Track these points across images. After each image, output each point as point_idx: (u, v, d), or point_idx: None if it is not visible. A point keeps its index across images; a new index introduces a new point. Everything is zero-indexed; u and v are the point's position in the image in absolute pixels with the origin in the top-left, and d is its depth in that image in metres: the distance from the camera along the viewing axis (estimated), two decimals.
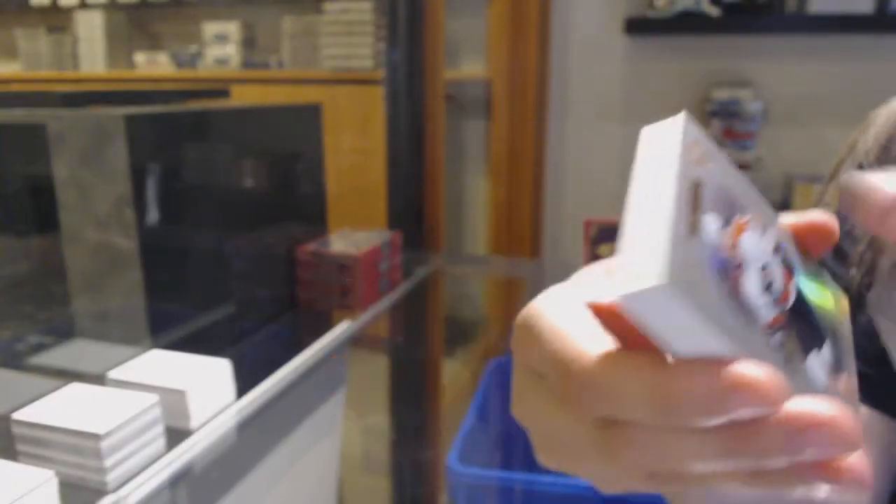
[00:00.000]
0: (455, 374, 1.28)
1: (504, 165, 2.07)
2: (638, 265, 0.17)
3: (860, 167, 0.47)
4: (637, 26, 1.97)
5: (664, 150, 0.20)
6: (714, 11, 1.87)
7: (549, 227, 2.19)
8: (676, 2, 1.88)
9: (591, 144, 2.14)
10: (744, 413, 0.18)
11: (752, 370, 0.17)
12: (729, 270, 0.19)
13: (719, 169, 0.21)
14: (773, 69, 1.96)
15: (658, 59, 2.05)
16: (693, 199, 0.19)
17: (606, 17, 2.03)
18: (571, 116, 2.15)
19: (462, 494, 0.92)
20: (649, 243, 0.18)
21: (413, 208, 1.60)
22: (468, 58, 2.26)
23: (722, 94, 1.94)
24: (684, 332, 0.18)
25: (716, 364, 0.18)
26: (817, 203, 0.51)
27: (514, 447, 1.17)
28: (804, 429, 0.18)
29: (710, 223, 0.19)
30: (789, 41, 1.95)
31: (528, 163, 2.06)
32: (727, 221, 0.20)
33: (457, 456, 0.95)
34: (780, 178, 2.00)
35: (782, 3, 1.89)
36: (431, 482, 0.92)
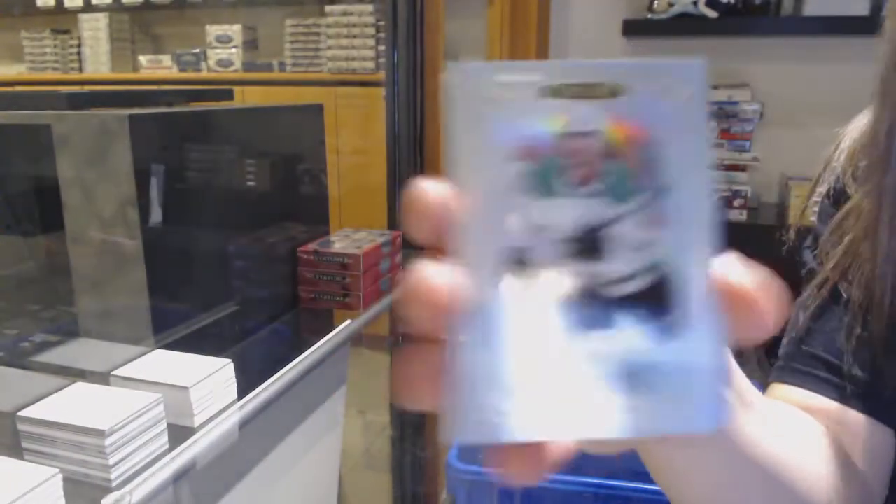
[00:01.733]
0: None
1: None
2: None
3: (837, 180, 0.48)
4: (635, 28, 1.98)
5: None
6: (711, 14, 1.87)
7: None
8: (674, 4, 1.89)
9: None
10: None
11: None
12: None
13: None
14: (770, 71, 1.97)
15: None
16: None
17: (605, 18, 2.04)
18: None
19: (462, 491, 0.93)
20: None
21: None
22: (468, 58, 2.26)
23: (719, 96, 1.95)
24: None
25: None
26: (802, 214, 0.52)
27: None
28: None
29: None
30: (785, 43, 1.96)
31: None
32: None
33: (457, 453, 0.96)
34: (776, 178, 2.01)
35: (778, 5, 1.90)
36: (432, 479, 0.92)
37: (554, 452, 0.21)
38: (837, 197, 0.48)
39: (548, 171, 0.19)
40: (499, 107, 0.18)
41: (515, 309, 0.18)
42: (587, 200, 0.19)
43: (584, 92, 0.19)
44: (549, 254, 0.19)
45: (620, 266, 0.19)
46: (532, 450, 0.19)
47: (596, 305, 0.19)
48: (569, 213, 0.19)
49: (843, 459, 0.42)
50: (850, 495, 0.40)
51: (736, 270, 0.19)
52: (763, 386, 0.49)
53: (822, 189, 0.49)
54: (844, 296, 0.44)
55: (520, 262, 0.19)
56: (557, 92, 0.19)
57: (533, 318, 0.18)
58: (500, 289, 0.18)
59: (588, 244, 0.19)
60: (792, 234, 0.51)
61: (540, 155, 0.19)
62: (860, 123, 0.48)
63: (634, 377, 0.18)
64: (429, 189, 0.19)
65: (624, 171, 0.19)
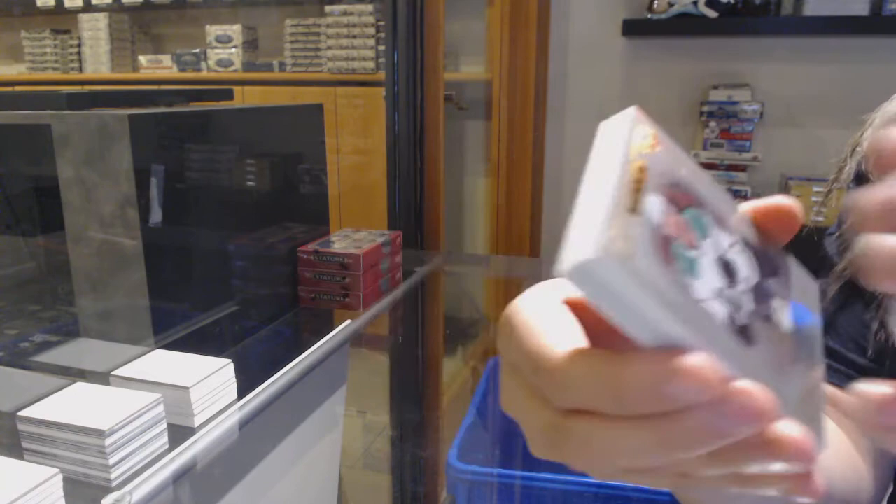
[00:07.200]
0: (455, 373, 1.29)
1: (504, 165, 2.08)
2: (578, 242, 0.18)
3: (859, 166, 0.48)
4: (635, 28, 1.98)
5: (613, 139, 0.21)
6: (711, 13, 1.87)
7: (549, 227, 2.20)
8: (674, 4, 1.89)
9: (589, 145, 2.14)
10: (687, 398, 0.18)
11: (695, 359, 0.18)
12: (667, 244, 0.19)
13: (671, 158, 0.22)
14: (770, 70, 1.97)
15: (656, 60, 2.06)
16: (636, 181, 0.20)
17: (605, 18, 2.04)
18: (570, 117, 2.16)
19: (462, 491, 0.93)
20: (590, 222, 0.18)
21: (413, 208, 1.61)
22: (468, 58, 2.26)
23: (719, 96, 1.95)
24: (628, 306, 0.18)
25: (663, 353, 0.18)
26: (822, 203, 0.52)
27: (513, 444, 1.17)
28: (723, 400, 0.18)
29: (654, 203, 0.19)
30: (785, 43, 1.96)
31: (528, 163, 2.07)
32: (679, 206, 0.20)
33: (457, 453, 0.96)
34: (776, 178, 2.01)
35: (779, 5, 1.90)
36: (432, 479, 0.92)
37: None
38: (860, 182, 0.49)
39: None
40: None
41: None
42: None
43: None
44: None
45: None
46: None
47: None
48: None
49: (838, 440, 0.43)
50: (839, 476, 0.41)
51: None
52: None
53: (843, 177, 0.49)
54: (862, 289, 0.45)
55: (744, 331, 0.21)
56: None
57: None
58: (738, 355, 0.20)
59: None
60: (811, 217, 0.52)
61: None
62: (886, 109, 0.49)
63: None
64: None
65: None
